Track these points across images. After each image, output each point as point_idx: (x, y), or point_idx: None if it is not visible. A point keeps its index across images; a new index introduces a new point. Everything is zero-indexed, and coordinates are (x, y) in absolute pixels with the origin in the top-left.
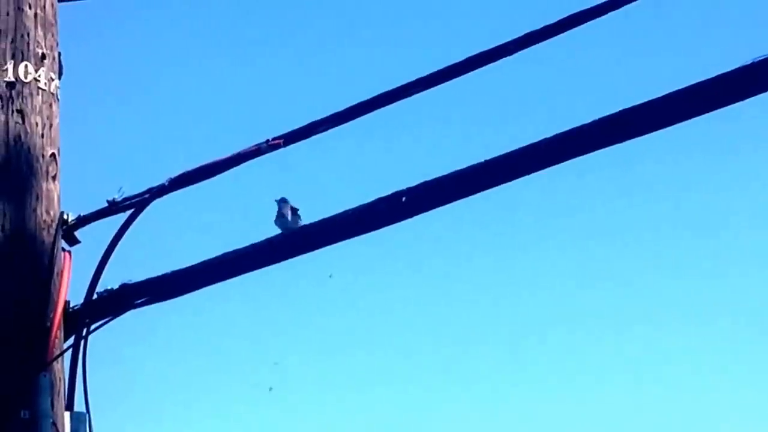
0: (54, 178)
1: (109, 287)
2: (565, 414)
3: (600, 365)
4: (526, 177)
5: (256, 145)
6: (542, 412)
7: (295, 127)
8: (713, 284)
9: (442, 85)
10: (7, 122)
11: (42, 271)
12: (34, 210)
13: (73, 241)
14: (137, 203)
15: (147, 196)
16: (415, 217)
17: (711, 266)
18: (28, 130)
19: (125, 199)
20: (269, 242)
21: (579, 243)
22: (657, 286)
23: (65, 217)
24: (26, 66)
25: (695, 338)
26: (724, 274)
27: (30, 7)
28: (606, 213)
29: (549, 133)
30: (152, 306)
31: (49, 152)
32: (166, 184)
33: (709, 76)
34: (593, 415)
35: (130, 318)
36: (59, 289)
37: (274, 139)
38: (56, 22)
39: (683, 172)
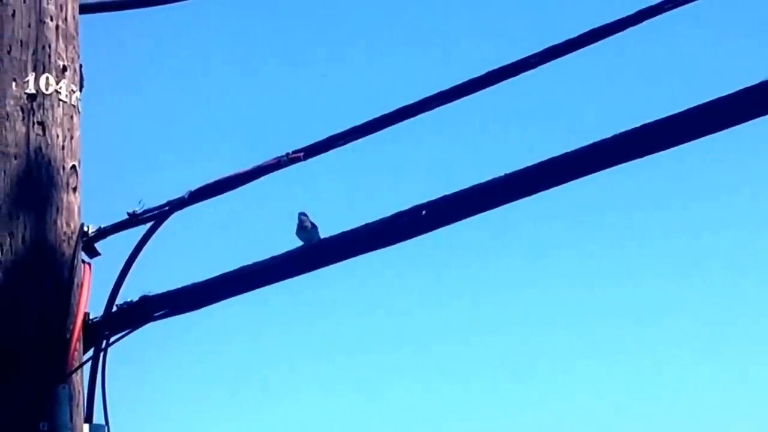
0: (74, 190)
1: (128, 299)
2: (565, 416)
3: (602, 366)
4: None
5: (277, 158)
6: (544, 413)
7: (316, 140)
8: (719, 285)
9: (463, 99)
10: (28, 134)
11: (62, 283)
12: (55, 222)
13: (93, 253)
14: (157, 215)
15: (167, 208)
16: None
17: (721, 268)
18: (49, 142)
19: (145, 212)
20: (289, 255)
21: (580, 249)
22: (660, 288)
23: (85, 229)
24: (47, 78)
25: (700, 338)
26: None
27: (51, 19)
28: (611, 218)
29: (569, 148)
30: (172, 318)
31: (70, 164)
32: (186, 196)
33: (730, 92)
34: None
35: (149, 330)
36: (79, 301)
37: (294, 152)
38: (77, 34)
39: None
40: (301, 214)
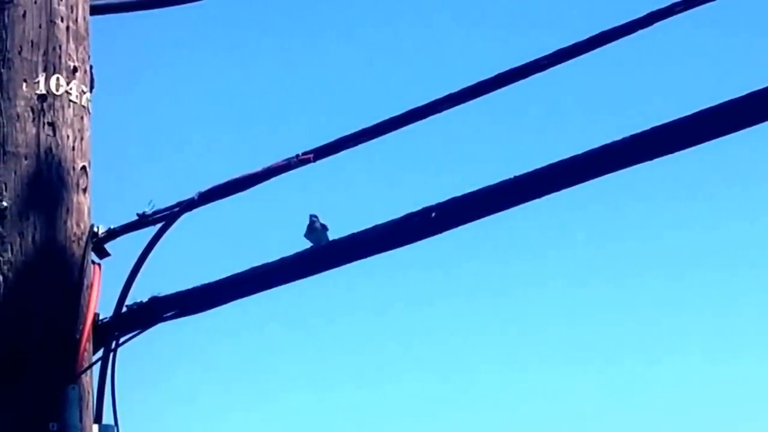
0: (84, 190)
1: (138, 300)
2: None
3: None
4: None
5: (286, 159)
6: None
7: (325, 141)
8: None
9: (473, 100)
10: (38, 135)
11: (72, 284)
12: (65, 222)
13: (103, 253)
14: (167, 216)
15: (177, 209)
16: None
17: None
18: (60, 143)
19: (155, 213)
20: (299, 256)
21: (581, 248)
22: (659, 286)
23: (95, 229)
24: (58, 79)
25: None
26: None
27: (62, 20)
28: (611, 217)
29: (580, 150)
30: (182, 319)
31: (80, 165)
32: (196, 197)
33: (742, 94)
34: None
35: (159, 331)
36: (89, 302)
37: (304, 153)
38: (88, 35)
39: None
40: (313, 216)
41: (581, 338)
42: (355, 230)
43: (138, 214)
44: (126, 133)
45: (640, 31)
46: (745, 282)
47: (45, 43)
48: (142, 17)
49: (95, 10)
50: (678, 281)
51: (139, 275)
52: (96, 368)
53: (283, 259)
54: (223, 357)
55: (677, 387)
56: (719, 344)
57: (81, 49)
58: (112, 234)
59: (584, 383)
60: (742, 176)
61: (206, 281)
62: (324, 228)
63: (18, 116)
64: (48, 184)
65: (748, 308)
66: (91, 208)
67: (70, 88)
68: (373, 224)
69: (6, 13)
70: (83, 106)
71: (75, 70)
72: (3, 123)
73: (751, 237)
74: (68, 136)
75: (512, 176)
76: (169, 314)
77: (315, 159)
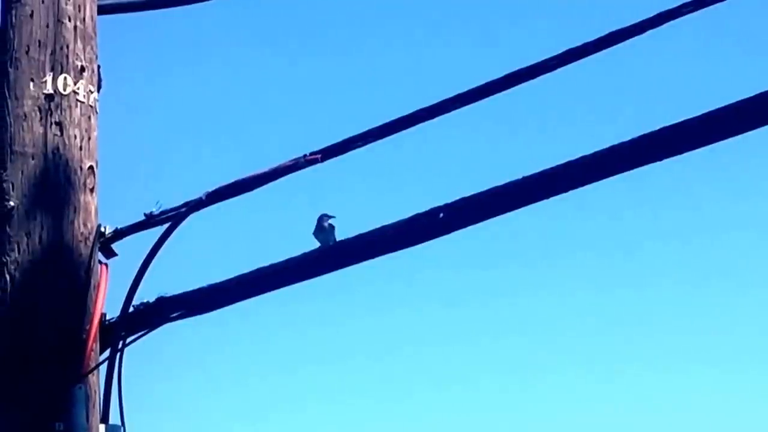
0: (92, 190)
1: (145, 300)
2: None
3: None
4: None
5: (294, 159)
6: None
7: (333, 142)
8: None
9: (481, 101)
10: (45, 134)
11: (79, 284)
12: (72, 222)
13: (110, 253)
14: (174, 217)
15: (184, 209)
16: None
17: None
18: (67, 143)
19: (162, 213)
20: (306, 257)
21: (586, 254)
22: (664, 293)
23: (102, 229)
24: (65, 78)
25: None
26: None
27: (70, 20)
28: (616, 224)
29: (587, 150)
30: (188, 319)
31: (87, 165)
32: (203, 197)
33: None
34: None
35: (165, 331)
36: (96, 302)
37: (311, 154)
38: (96, 34)
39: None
40: (323, 215)
41: (588, 344)
42: (363, 231)
43: (145, 214)
44: (133, 133)
45: (650, 32)
46: (751, 291)
47: (52, 43)
48: (150, 17)
49: (103, 9)
50: (684, 288)
51: (146, 275)
52: (103, 368)
53: (290, 260)
54: (228, 358)
55: (682, 394)
56: (723, 351)
57: (88, 48)
58: (119, 234)
59: (589, 390)
60: (748, 185)
61: (213, 281)
62: (331, 227)
63: (25, 116)
64: (55, 183)
65: (755, 316)
66: (98, 208)
67: (78, 88)
68: (381, 224)
69: (13, 12)
70: (91, 106)
71: (82, 69)
72: (10, 122)
73: (757, 246)
74: (75, 136)
75: (520, 177)
76: (175, 314)
77: (322, 159)
